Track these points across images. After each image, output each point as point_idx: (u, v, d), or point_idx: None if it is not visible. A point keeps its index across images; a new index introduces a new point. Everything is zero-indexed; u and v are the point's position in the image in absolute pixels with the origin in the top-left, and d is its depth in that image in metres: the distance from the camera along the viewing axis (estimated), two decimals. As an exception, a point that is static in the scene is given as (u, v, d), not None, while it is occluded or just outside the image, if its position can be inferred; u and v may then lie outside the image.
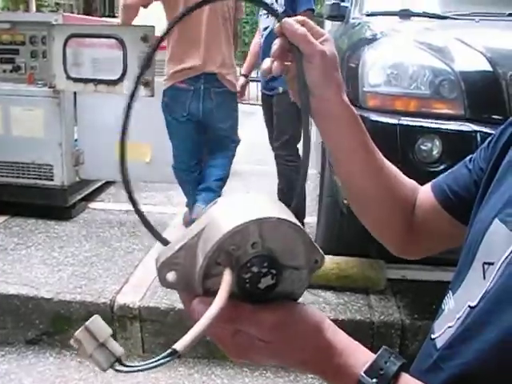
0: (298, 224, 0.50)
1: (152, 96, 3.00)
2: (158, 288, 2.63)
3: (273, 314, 0.52)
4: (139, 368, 0.45)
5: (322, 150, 3.02)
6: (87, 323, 0.46)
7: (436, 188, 0.78)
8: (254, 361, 0.55)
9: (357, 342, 0.56)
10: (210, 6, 2.87)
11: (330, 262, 2.73)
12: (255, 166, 5.08)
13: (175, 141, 3.28)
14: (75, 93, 3.52)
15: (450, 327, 0.59)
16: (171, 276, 0.52)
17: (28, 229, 3.39)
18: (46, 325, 2.58)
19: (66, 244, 3.20)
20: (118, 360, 0.46)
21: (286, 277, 0.52)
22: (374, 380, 0.51)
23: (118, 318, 2.53)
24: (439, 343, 0.60)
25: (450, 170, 0.78)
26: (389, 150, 2.14)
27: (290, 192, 3.36)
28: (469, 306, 0.56)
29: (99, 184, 4.03)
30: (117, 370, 0.45)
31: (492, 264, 0.55)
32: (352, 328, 2.44)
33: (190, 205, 3.36)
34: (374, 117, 2.14)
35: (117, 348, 0.46)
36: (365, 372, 0.52)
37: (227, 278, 0.49)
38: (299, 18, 0.68)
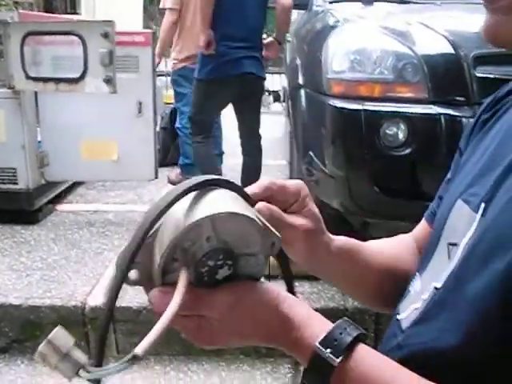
0: (250, 215, 0.52)
1: (114, 93, 2.94)
2: (128, 288, 2.58)
3: (228, 294, 0.53)
4: (101, 373, 0.47)
5: (290, 141, 3.01)
6: (49, 337, 0.48)
7: (427, 215, 0.78)
8: (222, 344, 0.56)
9: (316, 313, 0.56)
10: None
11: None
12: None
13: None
14: (36, 93, 3.43)
15: (416, 309, 0.59)
16: (133, 274, 0.54)
17: (-6, 234, 3.30)
18: (15, 332, 2.51)
19: (34, 248, 3.12)
20: (83, 367, 0.48)
21: (243, 264, 0.54)
22: (329, 350, 0.51)
23: (90, 320, 2.47)
24: (404, 324, 0.61)
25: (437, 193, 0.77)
26: (354, 136, 2.15)
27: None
28: (434, 288, 0.56)
29: (66, 185, 3.94)
30: (82, 377, 0.47)
31: (456, 245, 0.55)
32: (326, 316, 2.43)
33: None
34: (339, 103, 2.13)
35: (80, 356, 0.48)
36: (320, 343, 0.52)
37: (183, 277, 0.50)
38: (261, 186, 0.61)
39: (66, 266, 2.88)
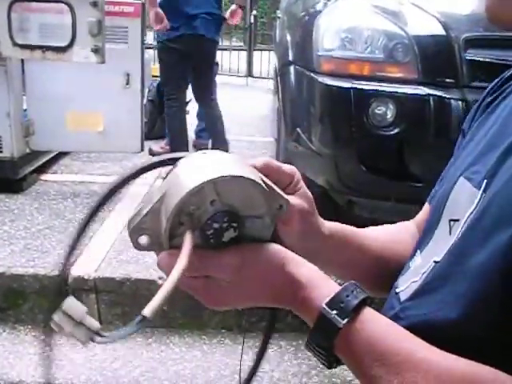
0: (253, 177, 0.53)
1: (102, 63, 2.91)
2: (112, 259, 2.59)
3: (235, 256, 0.54)
4: (113, 336, 0.49)
5: (278, 118, 3.00)
6: (63, 307, 0.50)
7: (430, 198, 0.76)
8: (229, 305, 0.58)
9: (324, 275, 0.56)
10: None
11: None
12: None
13: None
14: (23, 60, 3.38)
15: (414, 282, 0.59)
16: (143, 240, 0.55)
17: (-23, 203, 3.27)
18: (-4, 300, 2.51)
19: (18, 217, 3.10)
20: (97, 333, 0.50)
21: (249, 226, 0.55)
22: (335, 312, 0.51)
23: (73, 290, 2.48)
24: (403, 297, 0.61)
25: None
26: (343, 114, 2.16)
27: None
28: (434, 261, 0.57)
29: (51, 155, 3.90)
30: (96, 342, 0.50)
31: (457, 221, 0.56)
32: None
33: None
34: (328, 81, 2.13)
35: (93, 323, 0.50)
36: (326, 304, 0.52)
37: (188, 239, 0.51)
38: (260, 161, 0.61)
39: (49, 236, 2.87)
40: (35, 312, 2.51)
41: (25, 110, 3.46)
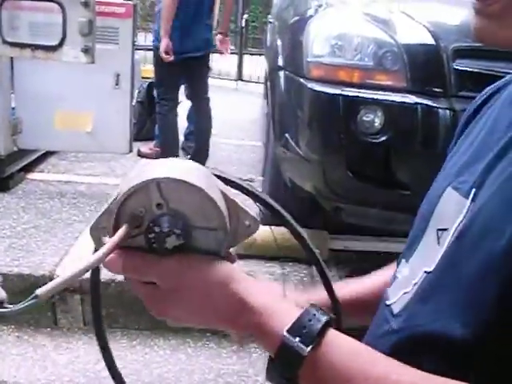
0: (202, 187, 0.50)
1: (92, 63, 2.90)
2: (99, 260, 2.58)
3: (175, 263, 0.52)
4: (12, 312, 0.49)
5: (267, 123, 3.01)
6: None
7: None
8: (171, 316, 0.54)
9: (279, 297, 0.54)
10: None
11: (274, 232, 2.74)
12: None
13: None
14: (12, 59, 3.36)
15: (405, 293, 0.59)
16: (102, 239, 0.54)
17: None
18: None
19: (3, 216, 3.08)
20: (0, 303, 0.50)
21: (200, 237, 0.53)
22: (298, 339, 0.48)
23: (58, 290, 2.46)
24: (396, 309, 0.60)
25: None
26: (331, 120, 2.17)
27: None
28: (425, 272, 0.56)
29: (38, 154, 3.88)
30: None
31: (446, 230, 0.56)
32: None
33: None
34: (317, 87, 2.14)
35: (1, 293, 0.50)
36: (288, 331, 0.49)
37: (118, 233, 0.50)
38: None
39: (35, 235, 2.85)
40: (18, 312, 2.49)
41: (13, 109, 3.44)
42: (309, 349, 0.47)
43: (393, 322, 0.58)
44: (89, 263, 0.48)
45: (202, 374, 2.23)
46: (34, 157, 3.82)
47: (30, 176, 3.74)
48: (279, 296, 0.54)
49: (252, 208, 0.57)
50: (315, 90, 2.13)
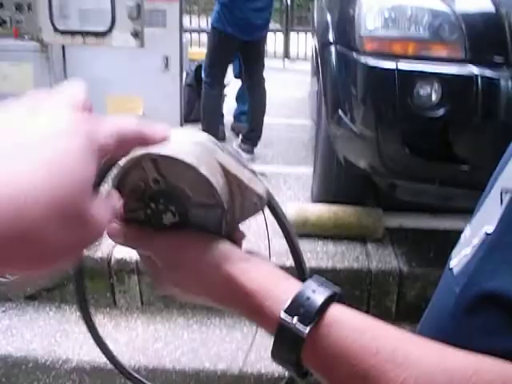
0: (193, 163, 0.48)
1: (142, 47, 2.92)
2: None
3: (169, 239, 0.50)
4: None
5: (318, 100, 2.96)
6: None
7: None
8: (169, 293, 0.53)
9: (280, 273, 0.49)
10: None
11: (327, 210, 2.71)
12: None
13: None
14: (64, 46, 3.42)
15: (465, 255, 0.57)
16: None
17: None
18: (44, 280, 2.58)
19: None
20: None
21: (197, 214, 0.51)
22: (296, 318, 0.43)
23: (116, 271, 2.52)
24: (455, 270, 0.58)
25: None
26: (386, 95, 2.11)
27: None
28: (485, 233, 0.54)
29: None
30: None
31: (510, 190, 0.53)
32: (350, 277, 2.44)
33: None
34: (372, 61, 2.08)
35: None
36: (285, 311, 0.44)
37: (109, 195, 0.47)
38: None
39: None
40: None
41: (66, 95, 3.50)
42: (308, 329, 0.43)
43: (452, 284, 0.56)
44: None
45: (258, 353, 2.24)
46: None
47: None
48: (281, 276, 0.49)
49: (259, 184, 0.53)
50: (369, 65, 2.07)
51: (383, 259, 2.52)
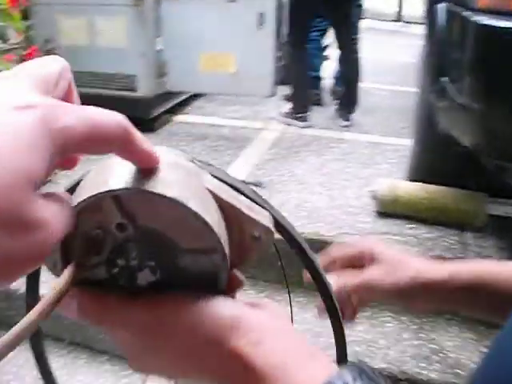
0: (178, 199, 0.33)
1: (233, 1, 2.76)
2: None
3: (150, 303, 0.36)
4: None
5: (420, 66, 2.65)
6: None
7: None
8: (147, 371, 0.39)
9: (306, 351, 0.36)
10: None
11: (422, 190, 2.44)
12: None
13: None
14: (158, 0, 3.34)
15: None
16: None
17: (111, 140, 3.35)
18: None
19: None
20: None
21: (185, 264, 0.36)
22: None
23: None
24: None
25: None
26: (501, 61, 1.79)
27: None
28: None
29: (184, 96, 3.91)
30: None
31: None
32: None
33: None
34: (485, 20, 1.76)
35: None
36: None
37: (64, 275, 0.34)
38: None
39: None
40: None
41: (159, 51, 3.45)
42: None
43: None
44: (25, 321, 0.31)
45: (328, 338, 2.05)
46: (179, 99, 3.85)
47: (176, 118, 3.78)
48: (304, 352, 0.36)
49: (262, 212, 0.39)
50: (482, 24, 1.75)
51: (482, 251, 2.23)
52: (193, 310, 0.36)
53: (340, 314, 0.46)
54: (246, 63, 3.26)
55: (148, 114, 3.44)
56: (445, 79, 2.04)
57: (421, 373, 1.78)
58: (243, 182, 0.40)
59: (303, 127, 3.67)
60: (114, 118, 0.30)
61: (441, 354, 1.87)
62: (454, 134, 2.16)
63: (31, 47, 2.71)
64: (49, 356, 0.49)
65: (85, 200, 0.33)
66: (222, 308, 0.36)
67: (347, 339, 1.62)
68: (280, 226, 0.40)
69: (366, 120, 3.88)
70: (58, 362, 2.03)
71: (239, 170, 2.93)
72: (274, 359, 0.35)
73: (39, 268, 0.40)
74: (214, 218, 0.35)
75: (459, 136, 2.13)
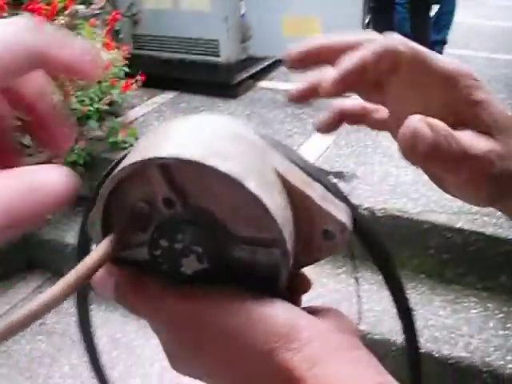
0: (234, 175, 0.28)
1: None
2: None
3: (194, 296, 0.31)
4: None
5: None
6: None
7: None
8: (182, 373, 0.34)
9: (373, 374, 0.29)
10: None
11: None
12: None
13: None
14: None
15: None
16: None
17: (193, 105, 3.36)
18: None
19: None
20: None
21: (239, 258, 0.32)
22: None
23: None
24: None
25: None
26: None
27: None
28: None
29: (268, 62, 3.83)
30: None
31: None
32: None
33: None
34: None
35: None
36: None
37: (101, 246, 0.30)
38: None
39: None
40: None
41: (243, 15, 3.38)
42: None
43: None
44: (47, 295, 0.26)
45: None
46: (263, 64, 3.78)
47: (259, 84, 3.72)
48: (369, 375, 0.29)
49: (339, 205, 0.33)
50: None
51: None
52: (240, 310, 0.31)
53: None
54: (332, 28, 3.12)
55: (231, 79, 3.41)
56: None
57: (506, 366, 1.66)
58: (321, 169, 0.34)
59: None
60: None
61: (530, 348, 1.74)
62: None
63: (115, 12, 2.73)
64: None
65: (125, 168, 0.29)
66: (276, 312, 0.30)
67: (427, 323, 1.52)
68: (362, 227, 0.34)
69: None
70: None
71: (321, 140, 2.84)
72: (334, 380, 0.29)
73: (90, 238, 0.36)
74: (277, 204, 0.30)
75: None
